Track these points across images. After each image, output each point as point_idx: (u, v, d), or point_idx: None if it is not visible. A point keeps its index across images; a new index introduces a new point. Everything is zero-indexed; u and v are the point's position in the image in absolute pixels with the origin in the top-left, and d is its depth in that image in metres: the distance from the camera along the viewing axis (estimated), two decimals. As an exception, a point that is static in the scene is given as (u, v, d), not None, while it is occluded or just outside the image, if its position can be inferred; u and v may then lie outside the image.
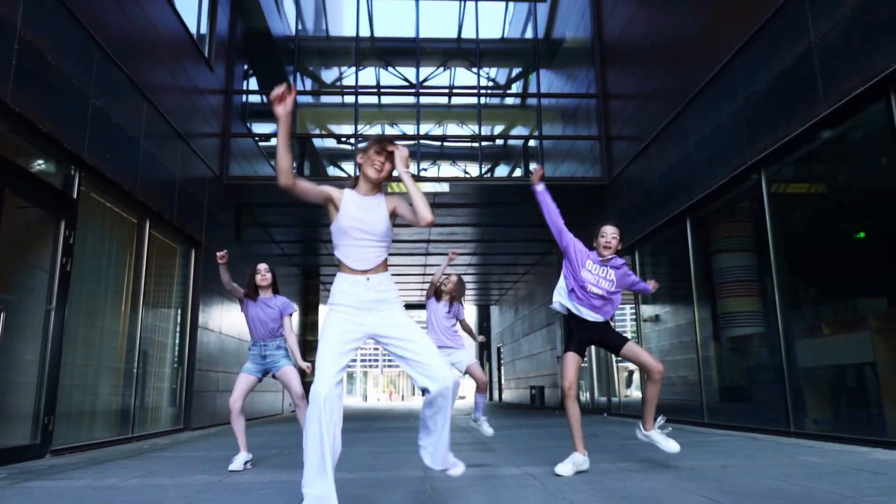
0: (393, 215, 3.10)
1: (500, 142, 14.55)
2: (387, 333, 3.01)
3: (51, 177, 6.20)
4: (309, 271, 19.21)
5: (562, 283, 4.49)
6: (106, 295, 7.48)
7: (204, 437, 8.18)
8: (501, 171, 14.16)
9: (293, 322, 5.28)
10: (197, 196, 9.78)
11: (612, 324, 4.59)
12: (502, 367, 26.23)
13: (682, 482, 3.72)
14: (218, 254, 4.94)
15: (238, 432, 4.92)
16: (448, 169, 13.95)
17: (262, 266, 5.14)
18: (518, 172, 13.71)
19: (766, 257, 6.83)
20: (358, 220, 3.03)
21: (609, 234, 4.44)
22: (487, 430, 6.30)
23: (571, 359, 4.40)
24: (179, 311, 9.62)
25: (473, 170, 13.51)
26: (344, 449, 6.12)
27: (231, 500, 3.44)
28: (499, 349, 27.08)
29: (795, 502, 3.05)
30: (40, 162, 6.14)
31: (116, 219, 7.69)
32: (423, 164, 12.84)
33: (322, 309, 20.94)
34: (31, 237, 6.04)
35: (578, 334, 4.43)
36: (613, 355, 11.16)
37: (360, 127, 12.77)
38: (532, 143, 13.39)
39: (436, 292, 6.29)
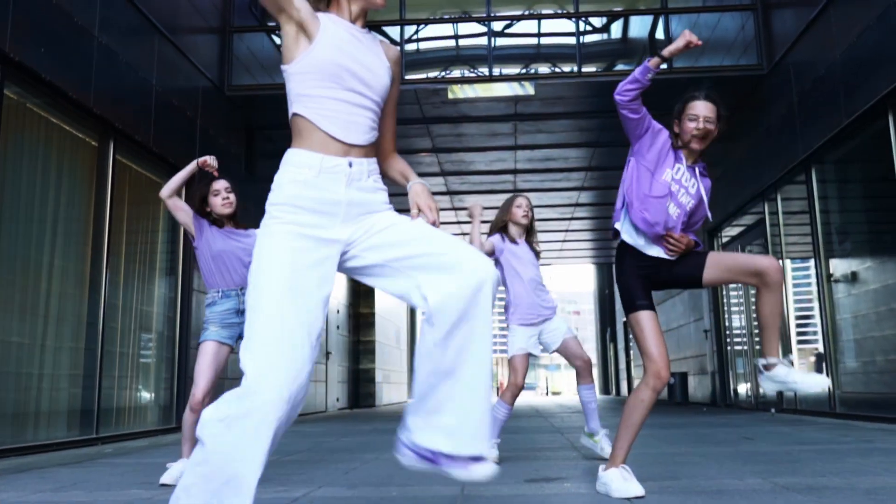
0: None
1: (616, 34, 13.56)
2: (372, 243, 2.30)
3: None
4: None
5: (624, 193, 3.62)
6: (55, 246, 7.22)
7: (196, 440, 7.90)
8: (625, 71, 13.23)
9: None
10: (185, 111, 9.44)
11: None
12: (631, 349, 25.37)
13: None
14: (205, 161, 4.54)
15: (190, 439, 4.38)
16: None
17: (222, 184, 4.64)
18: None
19: None
20: (351, 57, 2.34)
21: (705, 112, 3.55)
22: (609, 448, 4.75)
23: (651, 321, 3.53)
24: (166, 270, 9.38)
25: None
26: (366, 455, 5.66)
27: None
28: (625, 323, 26.19)
29: None
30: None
31: (67, 140, 7.40)
32: (507, 70, 11.96)
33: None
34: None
35: (641, 276, 3.59)
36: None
37: (414, 25, 12.17)
38: (660, 32, 12.39)
39: (503, 227, 5.46)
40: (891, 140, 7.67)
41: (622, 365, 27.19)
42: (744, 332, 13.13)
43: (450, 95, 10.78)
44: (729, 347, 13.87)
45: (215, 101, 10.44)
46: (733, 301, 13.67)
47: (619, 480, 3.37)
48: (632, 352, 25.24)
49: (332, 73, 2.28)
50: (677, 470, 4.36)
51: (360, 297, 19.17)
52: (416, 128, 12.35)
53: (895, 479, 3.63)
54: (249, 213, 4.83)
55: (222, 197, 4.61)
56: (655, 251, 3.52)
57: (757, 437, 6.64)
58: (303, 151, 2.29)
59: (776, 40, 10.32)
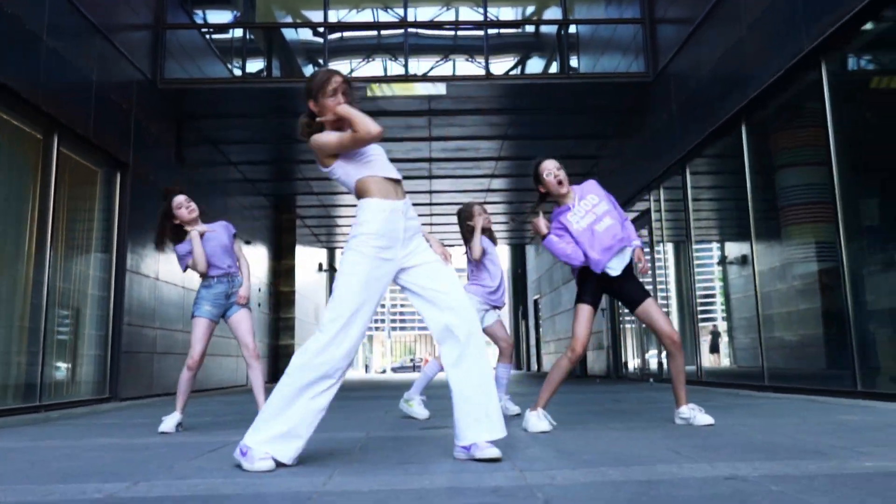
0: None
1: (530, 28, 14.53)
2: (414, 263, 3.57)
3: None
4: (281, 203, 19.55)
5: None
6: (3, 232, 7.92)
7: (133, 408, 8.76)
8: (535, 65, 14.16)
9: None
10: (122, 104, 10.15)
11: (634, 270, 5.05)
12: (541, 326, 26.52)
13: (664, 439, 4.08)
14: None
15: (184, 392, 5.46)
16: (465, 66, 13.94)
17: (181, 199, 5.56)
18: (554, 68, 13.63)
19: (830, 171, 7.04)
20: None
21: (553, 167, 4.92)
22: (512, 407, 6.25)
23: (587, 313, 4.90)
24: (102, 252, 10.07)
25: (499, 67, 13.50)
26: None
27: (121, 459, 3.88)
28: (536, 302, 27.28)
29: (770, 453, 3.40)
30: None
31: (16, 135, 8.08)
32: (424, 61, 12.91)
33: (300, 251, 21.46)
34: None
35: (593, 283, 4.95)
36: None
37: (339, 14, 12.92)
38: (571, 30, 13.40)
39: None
40: (743, 146, 8.90)
41: (532, 342, 28.29)
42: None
43: (368, 93, 11.70)
44: (622, 325, 15.15)
45: (148, 94, 11.11)
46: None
47: (535, 419, 4.76)
48: (541, 329, 26.42)
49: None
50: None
51: (281, 276, 19.89)
52: (337, 120, 13.13)
53: (691, 428, 4.81)
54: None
55: (185, 208, 5.52)
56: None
57: (625, 400, 7.83)
58: (376, 201, 3.54)
59: (661, 52, 11.33)
